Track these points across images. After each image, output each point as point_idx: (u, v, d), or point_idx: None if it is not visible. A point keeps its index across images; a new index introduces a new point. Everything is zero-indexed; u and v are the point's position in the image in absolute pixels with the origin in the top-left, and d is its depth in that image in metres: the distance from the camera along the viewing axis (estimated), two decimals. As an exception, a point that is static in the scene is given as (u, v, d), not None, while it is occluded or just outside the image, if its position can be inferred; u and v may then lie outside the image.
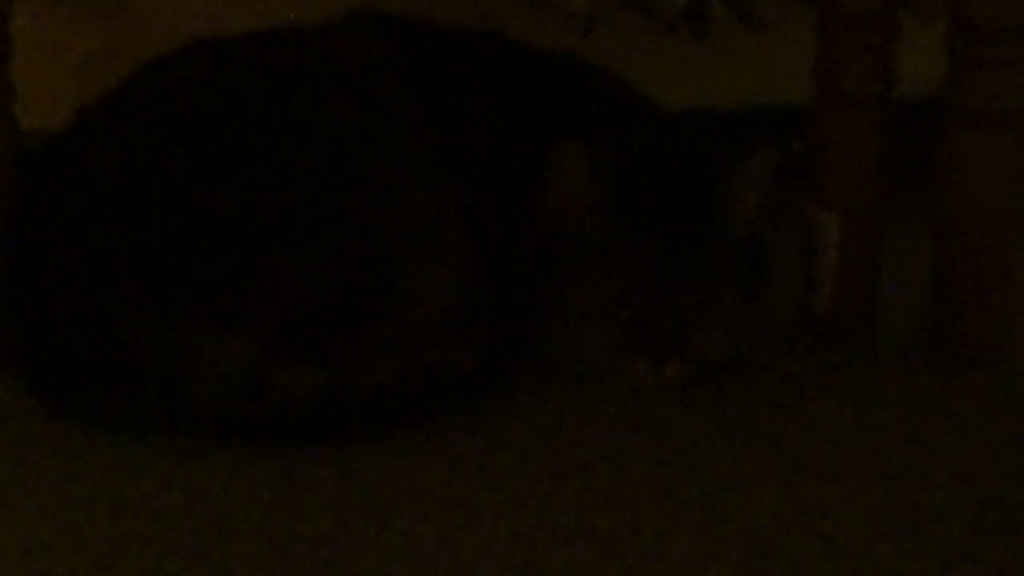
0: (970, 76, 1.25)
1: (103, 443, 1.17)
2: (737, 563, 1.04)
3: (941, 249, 1.30)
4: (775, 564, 1.04)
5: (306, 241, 1.20)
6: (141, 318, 1.17)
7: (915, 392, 1.27)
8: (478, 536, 1.07)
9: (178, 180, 1.21)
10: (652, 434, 1.21)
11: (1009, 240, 1.29)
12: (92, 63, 1.42)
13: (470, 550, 1.05)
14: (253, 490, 1.12)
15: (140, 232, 1.19)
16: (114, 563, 1.03)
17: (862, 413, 1.24)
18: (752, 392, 1.27)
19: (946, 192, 1.28)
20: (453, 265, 1.25)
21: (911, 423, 1.23)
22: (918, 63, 1.35)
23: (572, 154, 1.24)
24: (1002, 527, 1.09)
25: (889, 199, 1.33)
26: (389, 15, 1.37)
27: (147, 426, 1.18)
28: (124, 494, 1.11)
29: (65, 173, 1.25)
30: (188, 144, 1.23)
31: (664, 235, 1.24)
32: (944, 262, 1.30)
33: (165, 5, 1.52)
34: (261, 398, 1.17)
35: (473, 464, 1.16)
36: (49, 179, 1.25)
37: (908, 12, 1.38)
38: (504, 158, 1.29)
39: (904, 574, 1.04)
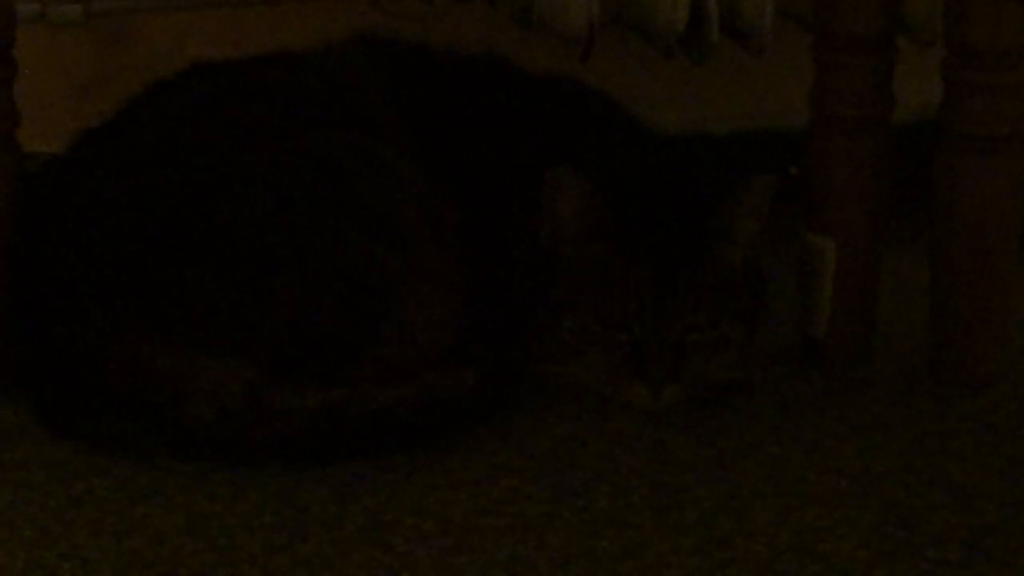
0: (966, 101, 1.25)
1: (105, 465, 1.17)
2: (733, 579, 1.05)
3: (936, 273, 1.30)
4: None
5: (304, 265, 1.20)
6: (142, 341, 1.18)
7: (911, 416, 1.27)
8: (478, 559, 1.07)
9: (177, 204, 1.21)
10: (651, 457, 1.21)
11: (1004, 264, 1.29)
12: (93, 87, 1.42)
13: (472, 566, 1.06)
14: (254, 512, 1.12)
15: (140, 256, 1.20)
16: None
17: (859, 436, 1.24)
18: (749, 415, 1.27)
19: (941, 216, 1.29)
20: (450, 289, 1.26)
21: (908, 446, 1.23)
22: (915, 88, 1.36)
23: (568, 179, 1.25)
24: (999, 550, 1.09)
25: (886, 223, 1.33)
26: (387, 39, 1.38)
27: (149, 448, 1.18)
28: (126, 515, 1.12)
29: (66, 196, 1.25)
30: (187, 169, 1.23)
31: (661, 260, 1.24)
32: (939, 286, 1.30)
33: (165, 30, 1.53)
34: (261, 420, 1.17)
35: (472, 487, 1.16)
36: (50, 202, 1.25)
37: (906, 37, 1.39)
38: (502, 182, 1.30)
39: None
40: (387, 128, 1.29)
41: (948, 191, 1.28)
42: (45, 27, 1.49)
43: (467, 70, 1.38)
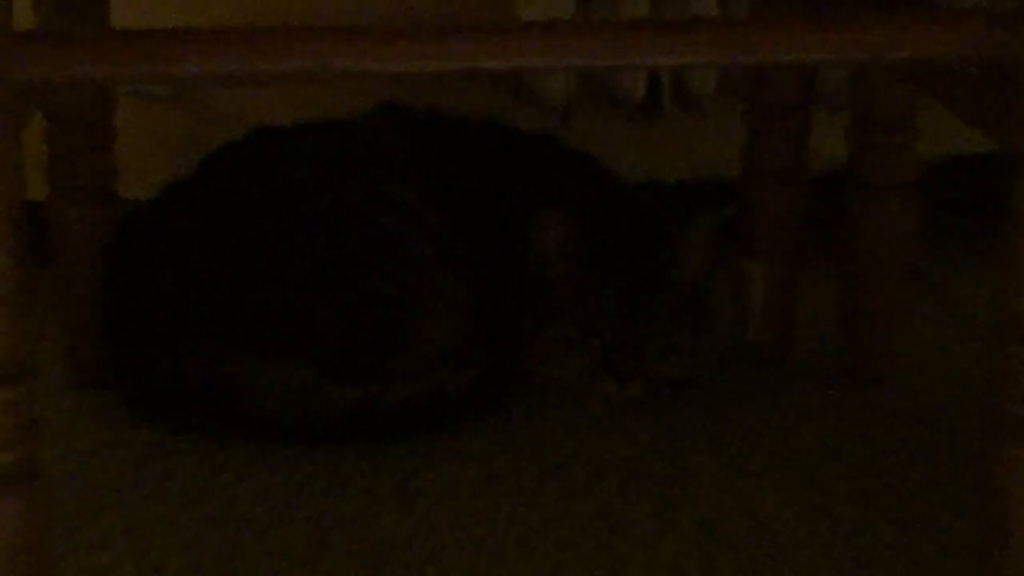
0: (867, 156, 1.26)
1: (187, 446, 1.18)
2: (686, 538, 1.05)
3: (846, 290, 1.31)
4: (717, 539, 1.05)
5: (347, 292, 1.21)
6: (222, 349, 1.19)
7: (825, 404, 1.27)
8: (482, 517, 1.08)
9: (245, 241, 1.22)
10: (617, 439, 1.21)
11: (898, 283, 1.29)
12: (177, 147, 1.42)
13: (476, 527, 1.07)
14: (306, 482, 1.13)
15: (221, 284, 1.21)
16: (199, 540, 1.04)
17: (784, 421, 1.24)
18: (697, 405, 1.27)
19: (851, 246, 1.29)
20: (457, 308, 1.26)
21: (822, 428, 1.23)
22: (826, 145, 1.36)
23: (552, 219, 1.26)
24: (893, 507, 1.10)
25: (803, 252, 1.33)
26: (406, 106, 1.36)
27: (220, 432, 1.19)
28: (205, 486, 1.12)
29: (155, 234, 1.25)
30: (251, 212, 1.24)
31: (626, 283, 1.25)
32: (848, 300, 1.31)
33: (234, 101, 1.52)
34: (310, 410, 1.18)
35: (476, 462, 1.17)
36: (142, 238, 1.26)
37: (818, 105, 1.39)
38: (498, 221, 1.30)
39: (819, 545, 1.04)
40: (409, 178, 1.29)
41: (855, 226, 1.28)
42: (138, 101, 1.49)
43: (471, 131, 1.37)
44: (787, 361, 1.35)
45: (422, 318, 1.24)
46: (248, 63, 0.78)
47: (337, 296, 1.21)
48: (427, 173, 1.30)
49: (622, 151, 1.53)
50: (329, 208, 1.24)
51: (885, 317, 1.30)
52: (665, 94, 1.57)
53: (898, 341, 1.32)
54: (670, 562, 1.02)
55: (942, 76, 0.98)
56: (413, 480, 1.14)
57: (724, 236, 1.30)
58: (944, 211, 1.51)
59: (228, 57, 0.77)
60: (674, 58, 0.81)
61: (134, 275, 1.24)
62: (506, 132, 1.39)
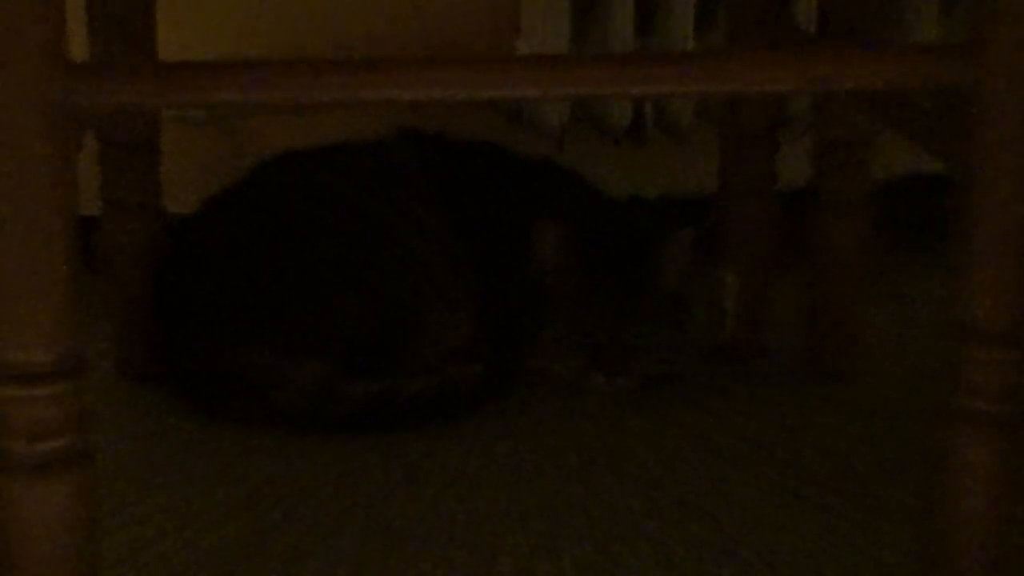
0: (829, 175, 1.26)
1: (224, 431, 1.19)
2: (668, 515, 1.06)
3: (809, 294, 1.31)
4: (696, 516, 1.06)
5: (364, 296, 1.21)
6: (252, 348, 1.19)
7: (792, 397, 1.27)
8: (487, 495, 1.09)
9: (274, 250, 1.23)
10: (607, 427, 1.21)
11: (856, 289, 1.29)
12: (215, 167, 1.42)
13: (479, 506, 1.07)
14: (326, 466, 1.13)
15: (247, 287, 1.21)
16: (231, 517, 1.05)
17: (755, 411, 1.24)
18: (677, 397, 1.27)
19: (814, 255, 1.29)
20: (464, 309, 1.26)
21: (789, 418, 1.23)
22: (792, 165, 1.36)
23: (548, 231, 1.26)
24: (852, 486, 1.10)
25: (772, 260, 1.33)
26: (421, 131, 1.36)
27: (252, 420, 1.19)
28: (237, 469, 1.13)
29: (195, 244, 1.26)
30: (280, 225, 1.24)
31: (614, 288, 1.25)
32: (812, 303, 1.31)
33: (267, 127, 1.53)
34: (332, 402, 1.18)
35: (482, 448, 1.17)
36: (184, 248, 1.26)
37: (785, 130, 1.40)
38: (502, 232, 1.30)
39: (786, 521, 1.05)
40: (422, 195, 1.29)
41: (818, 238, 1.28)
42: (181, 125, 1.49)
43: (477, 153, 1.38)
44: (758, 358, 1.35)
45: (432, 320, 1.24)
46: (278, 92, 0.78)
47: (356, 300, 1.21)
48: (438, 190, 1.30)
49: (610, 171, 1.54)
50: (350, 222, 1.24)
51: (844, 318, 1.30)
52: (648, 121, 1.57)
53: (856, 339, 1.32)
54: (654, 537, 1.02)
55: (896, 104, 0.98)
56: (423, 464, 1.14)
57: (701, 247, 1.30)
58: (898, 224, 1.52)
59: (260, 86, 0.77)
60: (656, 88, 0.81)
61: (179, 281, 1.24)
62: (507, 154, 1.39)
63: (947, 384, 0.85)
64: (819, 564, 0.99)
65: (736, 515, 1.06)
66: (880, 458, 1.15)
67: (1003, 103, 0.81)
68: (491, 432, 1.20)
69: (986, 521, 0.87)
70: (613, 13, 1.49)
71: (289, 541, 1.01)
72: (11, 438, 0.77)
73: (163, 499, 1.07)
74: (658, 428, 1.21)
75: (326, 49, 1.51)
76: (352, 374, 1.19)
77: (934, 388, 0.86)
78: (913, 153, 1.49)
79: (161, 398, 1.24)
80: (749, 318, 1.34)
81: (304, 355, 1.18)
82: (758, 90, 0.82)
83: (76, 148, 0.80)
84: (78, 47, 1.12)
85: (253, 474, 1.11)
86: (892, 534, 1.03)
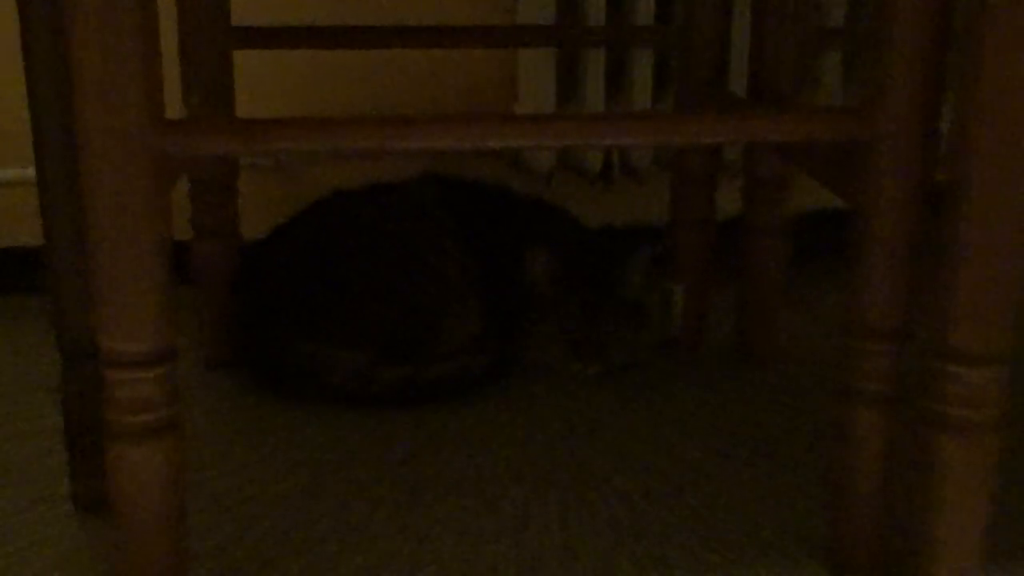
0: (755, 208, 1.25)
1: (284, 407, 1.18)
2: (631, 472, 1.05)
3: (742, 298, 1.30)
4: (652, 472, 1.05)
5: (397, 300, 1.20)
6: (308, 340, 1.18)
7: (726, 380, 1.27)
8: (490, 455, 1.08)
9: (326, 266, 1.22)
10: (583, 404, 1.21)
11: (776, 297, 1.28)
12: (280, 202, 1.42)
13: (486, 463, 1.07)
14: (367, 433, 1.13)
15: (306, 294, 1.20)
16: (290, 474, 1.04)
17: (697, 391, 1.24)
18: (637, 380, 1.26)
19: (743, 271, 1.28)
20: (474, 311, 1.25)
21: (723, 396, 1.23)
22: (727, 200, 1.36)
23: (539, 253, 1.25)
24: (773, 450, 1.10)
25: (711, 275, 1.32)
26: (440, 174, 1.36)
27: (307, 398, 1.18)
28: (295, 436, 1.12)
29: (264, 262, 1.25)
30: (331, 247, 1.24)
31: (589, 297, 1.25)
32: (741, 309, 1.30)
33: (320, 170, 1.52)
34: (371, 383, 1.17)
35: (487, 419, 1.17)
36: (256, 265, 1.25)
37: (721, 173, 1.39)
38: (503, 253, 1.29)
39: (722, 475, 1.05)
40: (442, 224, 1.28)
41: (747, 257, 1.28)
42: (253, 168, 1.50)
43: (484, 191, 1.37)
44: (699, 350, 1.34)
45: (448, 321, 1.23)
46: (328, 143, 0.77)
47: (390, 305, 1.20)
48: (454, 220, 1.29)
49: (587, 206, 1.54)
50: (385, 244, 1.23)
51: (767, 320, 1.30)
52: (616, 166, 1.57)
53: (776, 336, 1.31)
54: (619, 487, 1.03)
55: (807, 151, 0.98)
56: (441, 431, 1.14)
57: (656, 264, 1.29)
58: (808, 247, 1.52)
59: (314, 138, 0.77)
60: (622, 141, 0.81)
61: (252, 290, 1.23)
62: (507, 192, 1.39)
63: (846, 370, 0.86)
64: (747, 508, 0.99)
65: (682, 470, 1.06)
66: (794, 427, 1.15)
67: (890, 153, 0.81)
68: (494, 407, 1.19)
69: (875, 474, 0.87)
70: (588, 83, 1.48)
71: (338, 491, 1.01)
72: (118, 411, 0.77)
73: (238, 459, 1.07)
74: (623, 404, 1.21)
75: (366, 108, 1.51)
76: (387, 362, 1.18)
77: (835, 373, 0.87)
78: (820, 192, 1.48)
79: (238, 381, 1.24)
80: (693, 320, 1.33)
81: (350, 347, 1.17)
82: (701, 142, 0.82)
83: (171, 186, 0.79)
84: (173, 106, 1.11)
85: (310, 440, 1.11)
86: (803, 485, 1.03)
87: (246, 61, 1.38)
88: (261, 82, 1.45)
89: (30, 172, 0.89)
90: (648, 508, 0.99)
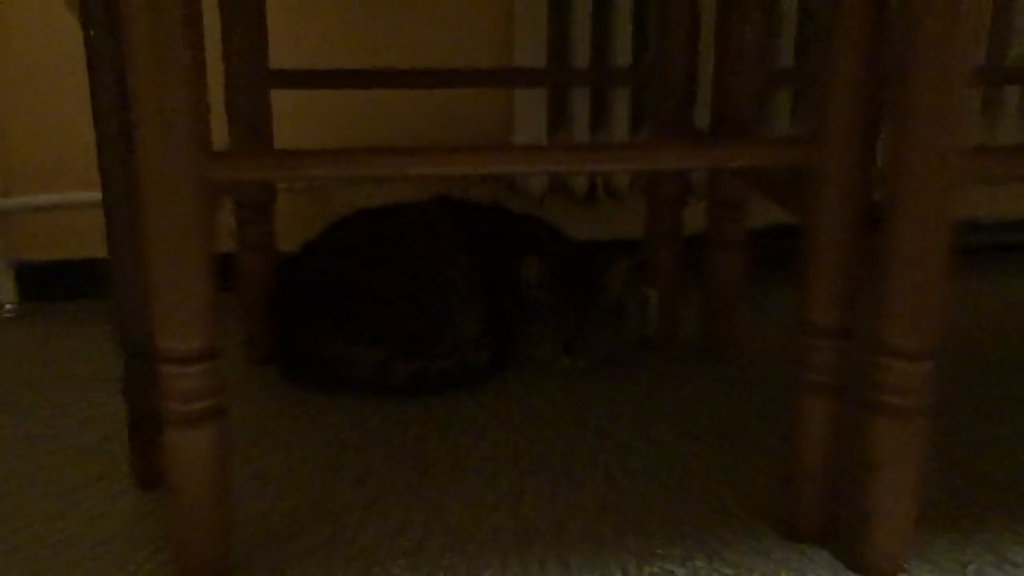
0: (718, 224, 1.25)
1: (314, 397, 1.18)
2: (611, 450, 1.05)
3: (707, 302, 1.29)
4: (629, 451, 1.05)
5: (409, 304, 1.20)
6: (334, 339, 1.18)
7: (693, 372, 1.26)
8: (490, 438, 1.08)
9: (350, 275, 1.21)
10: (570, 393, 1.21)
11: (736, 301, 1.28)
12: (311, 220, 1.41)
13: (486, 444, 1.06)
14: (384, 419, 1.13)
15: (332, 299, 1.20)
16: (318, 455, 1.04)
17: (669, 381, 1.23)
18: (618, 373, 1.26)
19: (709, 276, 1.28)
20: (476, 315, 1.25)
21: (691, 386, 1.22)
22: (694, 218, 1.35)
23: (532, 262, 1.25)
24: (734, 433, 1.09)
25: (680, 281, 1.32)
26: (449, 196, 1.36)
27: (333, 389, 1.18)
28: (323, 421, 1.12)
29: (297, 271, 1.25)
30: (354, 258, 1.23)
31: (576, 301, 1.24)
32: (708, 309, 1.30)
33: (348, 193, 1.51)
34: (388, 376, 1.17)
35: (487, 407, 1.16)
36: (290, 274, 1.25)
37: (689, 195, 1.38)
38: (502, 263, 1.28)
39: (688, 454, 1.04)
40: (450, 238, 1.28)
41: (711, 267, 1.27)
42: (288, 191, 1.50)
43: (486, 210, 1.36)
44: (670, 347, 1.34)
45: (454, 322, 1.22)
46: (351, 169, 0.78)
47: (404, 308, 1.20)
48: (460, 234, 1.29)
49: (574, 223, 1.53)
50: (401, 255, 1.23)
51: (728, 321, 1.29)
52: (599, 189, 1.56)
53: (736, 335, 1.31)
54: (601, 464, 1.02)
55: (762, 175, 0.98)
56: (448, 418, 1.13)
57: (634, 273, 1.29)
58: (764, 258, 1.51)
59: (339, 166, 0.77)
60: (604, 167, 0.81)
61: (287, 296, 1.23)
62: (505, 211, 1.39)
63: (797, 363, 0.86)
64: (712, 482, 0.99)
65: (657, 450, 1.05)
66: (753, 412, 1.15)
67: (832, 177, 0.81)
68: (493, 397, 1.19)
69: (822, 452, 0.87)
70: (575, 117, 1.48)
71: (358, 469, 1.01)
72: (172, 400, 0.77)
73: (276, 440, 1.07)
74: (605, 393, 1.20)
75: (384, 139, 1.51)
76: (402, 358, 1.18)
77: (788, 366, 0.86)
78: (774, 210, 1.48)
79: (274, 375, 1.23)
80: (665, 321, 1.33)
81: (370, 345, 1.17)
82: (672, 168, 0.82)
83: (216, 207, 0.79)
84: (218, 138, 1.11)
85: (334, 425, 1.11)
86: (761, 463, 1.03)
87: (281, 99, 1.37)
88: (294, 117, 1.45)
89: (96, 195, 0.89)
90: (627, 483, 0.99)
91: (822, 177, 0.81)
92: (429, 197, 1.36)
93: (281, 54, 1.31)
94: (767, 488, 0.98)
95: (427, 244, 1.25)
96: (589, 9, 1.44)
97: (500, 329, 1.27)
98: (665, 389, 1.21)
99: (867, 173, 0.80)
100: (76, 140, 1.38)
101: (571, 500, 0.96)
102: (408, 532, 0.90)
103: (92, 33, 0.82)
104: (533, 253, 1.26)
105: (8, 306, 1.42)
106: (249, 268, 1.24)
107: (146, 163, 0.72)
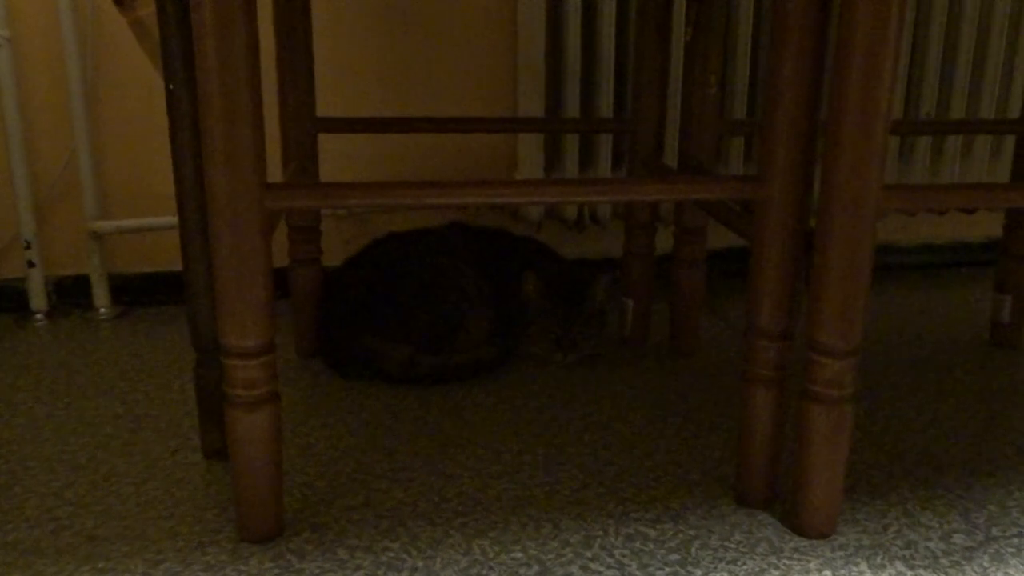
0: (682, 246, 1.24)
1: (352, 386, 1.17)
2: (595, 429, 1.04)
3: (674, 309, 1.29)
4: (610, 430, 1.04)
5: (432, 308, 1.19)
6: (369, 336, 1.17)
7: (662, 366, 1.25)
8: (496, 418, 1.07)
9: (383, 284, 1.21)
10: (562, 381, 1.20)
11: (697, 309, 1.27)
12: (351, 240, 1.41)
13: (493, 424, 1.06)
14: (410, 403, 1.12)
15: (368, 303, 1.19)
16: (355, 433, 1.03)
17: (642, 374, 1.23)
18: (600, 366, 1.25)
19: (675, 288, 1.27)
20: (486, 318, 1.24)
21: (661, 377, 1.21)
22: (663, 240, 1.35)
23: (531, 275, 1.24)
24: (697, 417, 1.08)
25: (652, 292, 1.31)
26: (463, 222, 1.35)
27: (369, 380, 1.17)
28: (360, 406, 1.11)
29: (339, 282, 1.24)
30: (387, 271, 1.22)
31: (566, 307, 1.24)
32: (673, 316, 1.29)
33: (380, 218, 1.50)
34: (414, 368, 1.16)
35: (495, 395, 1.15)
36: (333, 284, 1.24)
37: (659, 222, 1.38)
38: (506, 277, 1.28)
39: (659, 434, 1.03)
40: (464, 256, 1.27)
41: (676, 281, 1.26)
42: (332, 216, 1.48)
43: (493, 233, 1.35)
44: (644, 345, 1.33)
45: (469, 323, 1.22)
46: (383, 199, 0.77)
47: (429, 311, 1.19)
48: (472, 253, 1.28)
49: (566, 244, 1.53)
50: (425, 269, 1.23)
51: (691, 325, 1.28)
52: (586, 216, 1.55)
53: (698, 336, 1.30)
54: (587, 441, 1.02)
55: (719, 206, 0.98)
56: (463, 402, 1.13)
57: (614, 285, 1.29)
58: (721, 274, 1.51)
59: (374, 196, 0.77)
60: (590, 198, 0.81)
61: (331, 302, 1.22)
62: (509, 234, 1.38)
63: (746, 360, 0.85)
64: (678, 457, 0.98)
65: (632, 430, 1.05)
66: (711, 399, 1.14)
67: (776, 209, 0.81)
68: (500, 384, 1.18)
69: (767, 433, 0.86)
70: (566, 157, 1.48)
71: (388, 443, 1.01)
72: (234, 387, 0.77)
73: (320, 421, 1.06)
74: (590, 382, 1.20)
75: (410, 174, 1.50)
76: (425, 353, 1.17)
77: (740, 362, 0.86)
78: (729, 235, 1.48)
79: (320, 366, 1.23)
80: (639, 324, 1.32)
81: (399, 341, 1.17)
82: (645, 200, 0.82)
83: (273, 229, 0.79)
84: (274, 174, 1.10)
85: (369, 408, 1.10)
86: (717, 441, 1.02)
87: (327, 141, 1.39)
88: (337, 156, 1.45)
89: (175, 219, 0.89)
90: (608, 456, 0.98)
91: (767, 208, 0.81)
92: (447, 223, 1.35)
93: (327, 105, 1.32)
94: (723, 461, 0.98)
95: (445, 260, 1.25)
96: (579, 72, 1.45)
97: (505, 330, 1.26)
98: (639, 379, 1.21)
99: (804, 205, 0.81)
100: (159, 173, 1.39)
101: (561, 471, 0.95)
102: (427, 496, 0.90)
103: (172, 86, 0.82)
104: (531, 269, 1.25)
105: (103, 310, 1.43)
106: (300, 279, 1.23)
107: (215, 193, 0.72)
